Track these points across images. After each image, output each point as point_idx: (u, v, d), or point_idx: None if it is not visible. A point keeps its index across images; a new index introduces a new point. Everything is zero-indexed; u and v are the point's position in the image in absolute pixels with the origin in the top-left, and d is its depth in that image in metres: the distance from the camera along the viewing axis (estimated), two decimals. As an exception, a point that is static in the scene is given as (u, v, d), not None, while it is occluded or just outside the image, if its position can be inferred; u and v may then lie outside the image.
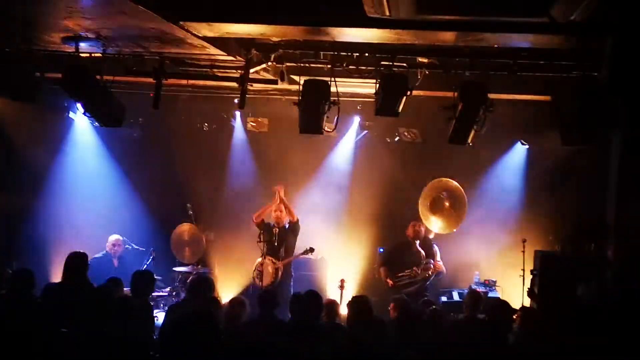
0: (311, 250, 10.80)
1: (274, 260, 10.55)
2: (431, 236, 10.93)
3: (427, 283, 10.53)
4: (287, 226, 10.91)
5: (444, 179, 11.00)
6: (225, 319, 7.28)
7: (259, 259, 10.59)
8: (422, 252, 10.58)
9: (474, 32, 6.82)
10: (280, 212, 10.85)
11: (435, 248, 10.76)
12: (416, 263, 10.53)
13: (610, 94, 4.87)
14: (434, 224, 10.92)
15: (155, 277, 10.53)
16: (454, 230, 10.96)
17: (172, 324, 5.80)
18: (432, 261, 10.54)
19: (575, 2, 4.45)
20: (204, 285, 8.02)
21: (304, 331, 6.18)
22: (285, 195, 10.95)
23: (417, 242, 10.64)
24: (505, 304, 7.38)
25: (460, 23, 6.63)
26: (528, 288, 9.32)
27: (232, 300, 7.93)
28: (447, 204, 10.94)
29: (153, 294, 9.28)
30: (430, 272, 10.48)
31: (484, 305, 8.01)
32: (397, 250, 10.77)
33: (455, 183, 10.93)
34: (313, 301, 7.14)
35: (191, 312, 5.29)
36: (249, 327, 7.20)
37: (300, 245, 11.00)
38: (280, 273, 10.51)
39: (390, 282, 10.51)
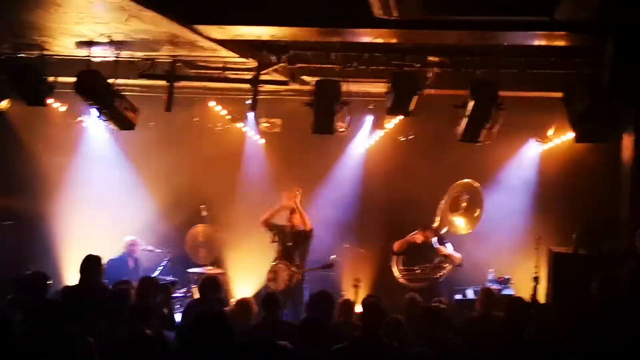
0: (330, 265, 10.75)
1: (289, 265, 10.51)
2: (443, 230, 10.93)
3: (440, 281, 10.58)
4: (300, 230, 10.82)
5: (467, 180, 10.99)
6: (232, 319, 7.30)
7: (273, 262, 10.60)
8: (440, 249, 10.62)
9: (481, 31, 6.83)
10: (294, 215, 10.78)
11: (448, 244, 10.78)
12: (428, 260, 10.59)
13: (611, 96, 4.83)
14: (455, 224, 10.92)
15: (171, 278, 10.74)
16: (470, 230, 10.96)
17: (189, 325, 5.86)
18: (443, 256, 10.59)
19: (580, 2, 4.45)
20: (211, 285, 8.07)
21: (317, 331, 6.19)
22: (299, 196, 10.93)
23: (430, 241, 10.68)
24: (521, 301, 7.39)
25: (467, 22, 6.63)
26: (531, 295, 9.32)
27: (237, 301, 7.99)
28: (464, 204, 10.93)
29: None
30: (444, 272, 10.52)
31: (498, 302, 8.02)
32: (412, 245, 10.80)
33: (476, 184, 10.91)
34: (324, 301, 7.19)
35: (204, 313, 5.34)
36: (254, 329, 7.25)
37: (317, 249, 11.03)
38: (294, 279, 10.46)
39: (397, 274, 10.61)
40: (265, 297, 7.68)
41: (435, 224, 10.83)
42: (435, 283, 10.56)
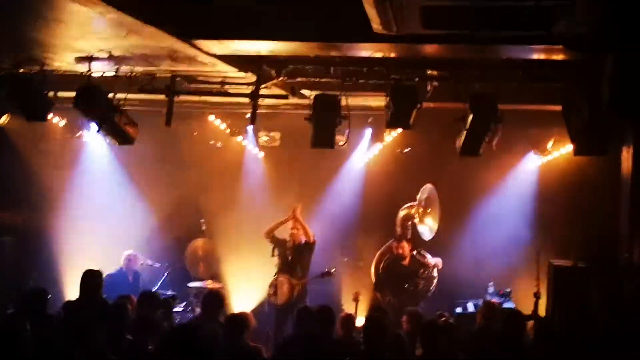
0: (328, 273, 10.69)
1: (290, 278, 10.58)
2: None
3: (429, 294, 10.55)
4: (302, 243, 10.90)
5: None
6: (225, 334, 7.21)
7: (274, 276, 10.67)
8: (428, 262, 10.59)
9: (480, 46, 6.85)
10: (297, 230, 10.86)
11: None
12: (415, 274, 10.53)
13: (610, 110, 4.85)
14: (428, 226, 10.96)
15: (171, 292, 10.71)
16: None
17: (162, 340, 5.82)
18: (430, 267, 10.54)
19: (579, 17, 4.47)
20: (215, 301, 8.05)
21: (318, 347, 6.18)
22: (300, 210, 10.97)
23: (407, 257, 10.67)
24: (517, 314, 7.39)
25: (465, 37, 6.65)
26: (532, 311, 9.30)
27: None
28: (420, 210, 10.99)
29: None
30: (435, 283, 10.49)
31: (500, 316, 8.02)
32: (388, 269, 10.75)
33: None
34: (324, 316, 7.16)
35: (176, 329, 5.29)
36: (289, 343, 7.22)
37: (316, 263, 11.01)
38: (296, 292, 10.53)
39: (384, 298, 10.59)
40: (300, 311, 7.67)
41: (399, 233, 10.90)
42: (425, 296, 10.52)
